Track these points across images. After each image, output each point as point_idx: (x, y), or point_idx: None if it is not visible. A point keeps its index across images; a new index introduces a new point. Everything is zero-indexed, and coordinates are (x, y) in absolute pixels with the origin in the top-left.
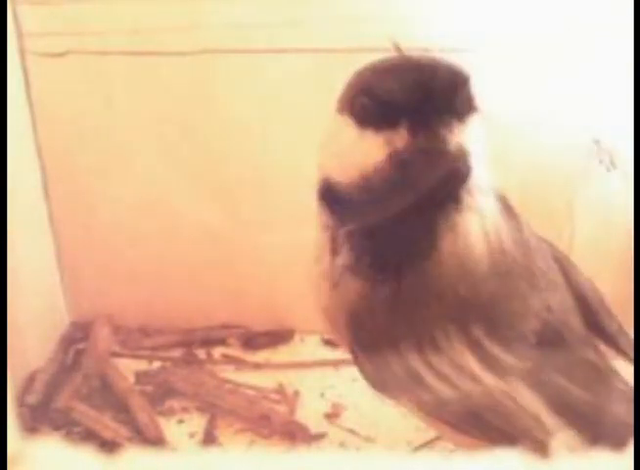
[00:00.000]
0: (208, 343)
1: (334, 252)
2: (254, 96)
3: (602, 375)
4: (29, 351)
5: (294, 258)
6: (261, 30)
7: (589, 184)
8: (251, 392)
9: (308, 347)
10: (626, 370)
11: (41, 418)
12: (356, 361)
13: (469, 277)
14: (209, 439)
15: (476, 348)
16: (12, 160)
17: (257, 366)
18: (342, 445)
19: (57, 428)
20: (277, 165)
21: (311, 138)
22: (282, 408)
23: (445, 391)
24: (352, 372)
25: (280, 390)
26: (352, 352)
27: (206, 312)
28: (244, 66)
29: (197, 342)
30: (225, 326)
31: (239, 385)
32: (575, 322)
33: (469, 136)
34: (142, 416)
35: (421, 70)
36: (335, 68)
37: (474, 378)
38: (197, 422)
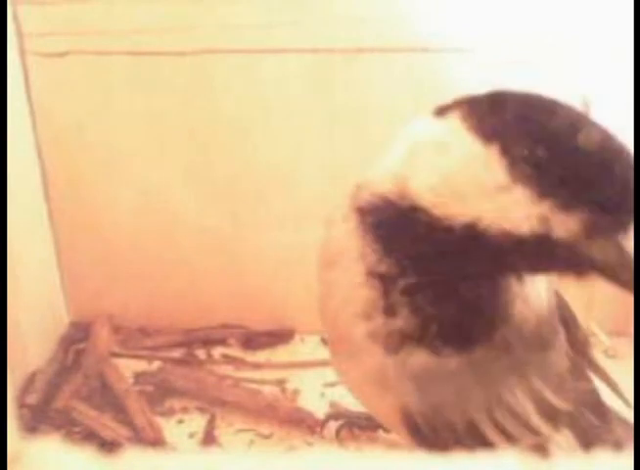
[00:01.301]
0: (208, 343)
1: (388, 311)
2: (254, 96)
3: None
4: (29, 351)
5: (294, 258)
6: (261, 30)
7: None
8: (252, 384)
9: (308, 347)
10: None
11: (41, 418)
12: (413, 442)
13: (533, 338)
14: (209, 439)
15: (536, 398)
16: (12, 160)
17: (257, 366)
18: (342, 444)
19: (57, 428)
20: (277, 165)
21: (311, 138)
22: (284, 400)
23: (504, 445)
24: None
25: (280, 389)
26: (406, 416)
27: (206, 312)
28: (244, 66)
29: (197, 342)
30: (225, 326)
31: (240, 379)
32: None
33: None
34: (139, 419)
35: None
36: (335, 68)
37: (534, 431)
38: (197, 422)
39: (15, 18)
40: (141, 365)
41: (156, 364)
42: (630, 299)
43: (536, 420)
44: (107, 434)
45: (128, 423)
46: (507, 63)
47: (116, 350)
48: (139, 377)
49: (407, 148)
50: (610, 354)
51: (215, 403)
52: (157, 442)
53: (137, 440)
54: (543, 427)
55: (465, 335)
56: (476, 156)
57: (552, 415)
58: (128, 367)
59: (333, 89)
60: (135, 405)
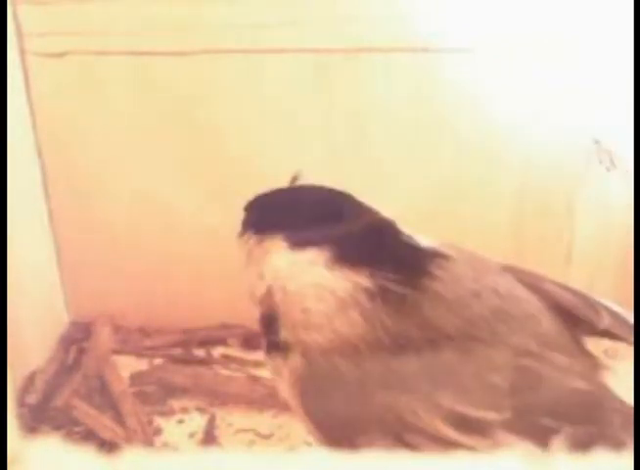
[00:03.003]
0: (208, 343)
1: None
2: (254, 96)
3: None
4: (29, 351)
5: None
6: (261, 30)
7: (589, 184)
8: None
9: None
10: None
11: (41, 418)
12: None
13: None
14: (209, 439)
15: (449, 417)
16: (12, 160)
17: (257, 364)
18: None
19: (57, 428)
20: (277, 165)
21: (311, 138)
22: None
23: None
24: None
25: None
26: None
27: (206, 312)
28: (244, 66)
29: (196, 342)
30: (225, 326)
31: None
32: (561, 345)
33: None
34: (131, 422)
35: None
36: (335, 68)
37: (455, 443)
38: (197, 422)
39: (15, 18)
40: (141, 365)
41: (155, 363)
42: (630, 298)
43: (460, 437)
44: (106, 434)
45: (123, 424)
46: (507, 63)
47: (117, 347)
48: (138, 377)
49: None
50: (610, 355)
51: (215, 396)
52: (148, 445)
53: (129, 441)
54: (471, 440)
55: None
56: None
57: (477, 428)
58: (129, 366)
59: (333, 89)
60: (127, 409)
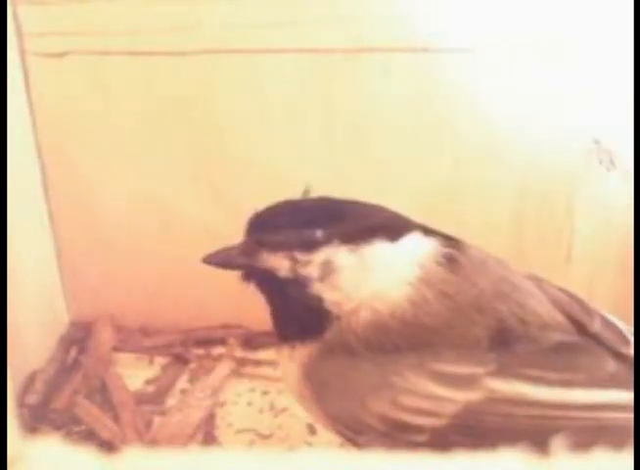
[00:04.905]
0: (208, 342)
1: None
2: (254, 96)
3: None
4: (29, 351)
5: None
6: (261, 30)
7: (589, 184)
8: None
9: None
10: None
11: (41, 418)
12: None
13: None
14: (209, 439)
15: (433, 375)
16: (12, 160)
17: (258, 364)
18: (342, 444)
19: (57, 428)
20: (277, 165)
21: (311, 138)
22: None
23: (430, 421)
24: None
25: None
26: None
27: (206, 312)
28: (244, 66)
29: (196, 342)
30: (225, 326)
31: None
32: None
33: None
34: (131, 422)
35: None
36: (335, 68)
37: (449, 400)
38: (197, 422)
39: (15, 18)
40: (142, 368)
41: (156, 364)
42: (630, 298)
43: (448, 393)
44: (106, 434)
45: (123, 424)
46: (507, 63)
47: (118, 347)
48: (140, 395)
49: None
50: None
51: (215, 395)
52: (148, 445)
53: (129, 442)
54: (459, 394)
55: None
56: None
57: (463, 381)
58: (130, 369)
59: (333, 89)
60: (129, 408)
